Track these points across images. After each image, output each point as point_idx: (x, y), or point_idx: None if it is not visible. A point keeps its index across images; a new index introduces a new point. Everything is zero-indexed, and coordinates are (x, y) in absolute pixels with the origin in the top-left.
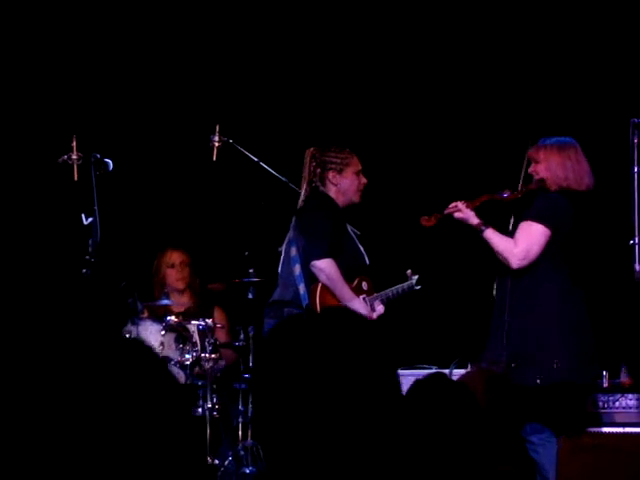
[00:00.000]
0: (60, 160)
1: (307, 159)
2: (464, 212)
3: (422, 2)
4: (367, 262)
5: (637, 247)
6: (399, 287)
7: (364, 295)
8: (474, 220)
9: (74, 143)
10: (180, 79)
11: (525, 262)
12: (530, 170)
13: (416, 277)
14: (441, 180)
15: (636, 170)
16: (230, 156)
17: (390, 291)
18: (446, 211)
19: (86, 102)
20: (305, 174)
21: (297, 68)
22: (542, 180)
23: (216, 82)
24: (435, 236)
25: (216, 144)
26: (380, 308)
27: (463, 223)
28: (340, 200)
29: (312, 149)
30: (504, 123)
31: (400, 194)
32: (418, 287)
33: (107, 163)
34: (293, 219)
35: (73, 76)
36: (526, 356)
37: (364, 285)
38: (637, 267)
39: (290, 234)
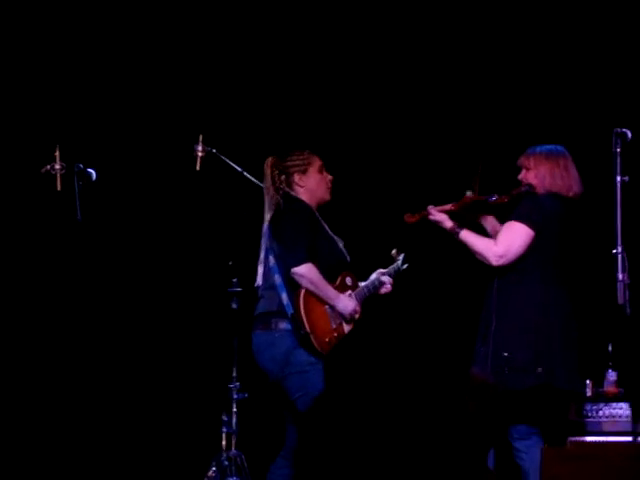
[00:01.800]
0: (43, 170)
1: (267, 169)
2: (436, 215)
3: (396, 11)
4: (348, 259)
5: (620, 256)
6: (385, 271)
7: (350, 291)
8: (448, 223)
9: (57, 153)
10: (164, 89)
11: (504, 260)
12: (520, 177)
13: (402, 256)
14: (430, 179)
15: (619, 179)
16: (214, 166)
17: (375, 279)
18: (420, 215)
19: (69, 112)
20: (268, 184)
21: (280, 78)
22: (530, 185)
23: (199, 92)
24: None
25: (200, 154)
26: (388, 279)
27: (438, 226)
28: (311, 201)
29: (271, 158)
30: (489, 131)
31: (389, 192)
32: (405, 266)
33: (90, 173)
34: (265, 227)
35: (56, 86)
36: (511, 360)
37: (348, 281)
38: (620, 276)
39: (265, 243)
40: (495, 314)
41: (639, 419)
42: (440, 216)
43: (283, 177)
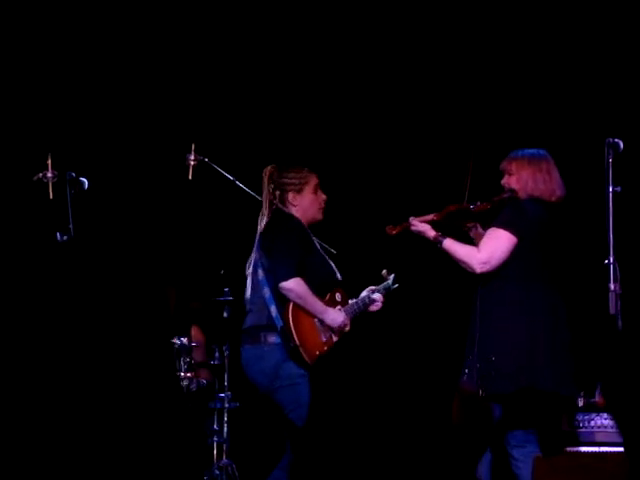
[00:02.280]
0: (35, 178)
1: (265, 180)
2: (418, 226)
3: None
4: (339, 277)
5: (612, 267)
6: (375, 289)
7: (339, 306)
8: (430, 233)
9: (49, 161)
10: (156, 98)
11: (487, 267)
12: (502, 182)
13: (392, 276)
14: (413, 190)
15: (611, 190)
16: (206, 175)
17: (365, 296)
18: (401, 226)
19: (62, 120)
20: (264, 194)
21: (272, 87)
22: (513, 191)
23: (191, 101)
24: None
25: (192, 163)
26: (378, 297)
27: (421, 236)
28: (303, 219)
29: (270, 168)
30: (480, 142)
31: (372, 204)
32: (395, 286)
33: (82, 182)
34: (256, 241)
35: (49, 94)
36: (496, 365)
37: (337, 296)
38: (612, 286)
39: (255, 256)
40: (479, 320)
41: (623, 429)
42: (422, 226)
43: (278, 193)
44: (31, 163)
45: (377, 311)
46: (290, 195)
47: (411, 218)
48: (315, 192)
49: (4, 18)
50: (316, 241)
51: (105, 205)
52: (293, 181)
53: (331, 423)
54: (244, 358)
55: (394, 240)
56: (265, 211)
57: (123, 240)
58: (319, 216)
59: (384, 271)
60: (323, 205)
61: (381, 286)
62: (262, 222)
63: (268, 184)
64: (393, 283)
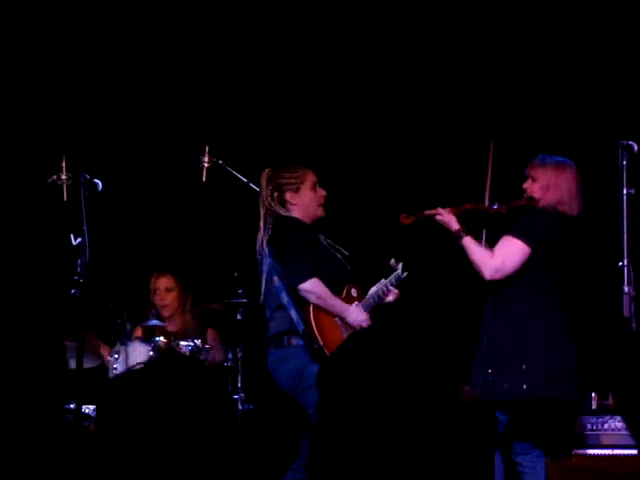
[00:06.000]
0: (49, 180)
1: (263, 182)
2: (445, 216)
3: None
4: (348, 268)
5: (626, 269)
6: (387, 281)
7: (356, 302)
8: (454, 225)
9: (63, 163)
10: (169, 100)
11: (498, 275)
12: (525, 186)
13: (400, 265)
14: (426, 187)
15: (625, 192)
16: (219, 177)
17: (379, 289)
18: (427, 212)
19: (75, 122)
20: (262, 198)
21: (285, 89)
22: (532, 198)
23: (205, 103)
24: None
25: (205, 165)
26: (392, 289)
27: (443, 227)
28: (305, 217)
29: (267, 171)
30: (494, 143)
31: (384, 198)
32: (405, 274)
33: (96, 183)
34: (265, 249)
35: (63, 96)
36: (504, 372)
37: (353, 292)
38: (626, 289)
39: (266, 264)
40: (489, 327)
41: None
42: (448, 217)
43: (276, 194)
44: (45, 165)
45: (393, 302)
46: (288, 195)
47: (439, 208)
48: (313, 189)
49: (18, 22)
50: (324, 239)
51: (119, 207)
52: (290, 180)
53: (348, 421)
54: (270, 362)
55: (402, 233)
56: (264, 217)
57: (137, 242)
58: (320, 213)
59: (392, 260)
60: (323, 201)
61: (392, 277)
62: (262, 229)
63: (266, 187)
64: (402, 271)
